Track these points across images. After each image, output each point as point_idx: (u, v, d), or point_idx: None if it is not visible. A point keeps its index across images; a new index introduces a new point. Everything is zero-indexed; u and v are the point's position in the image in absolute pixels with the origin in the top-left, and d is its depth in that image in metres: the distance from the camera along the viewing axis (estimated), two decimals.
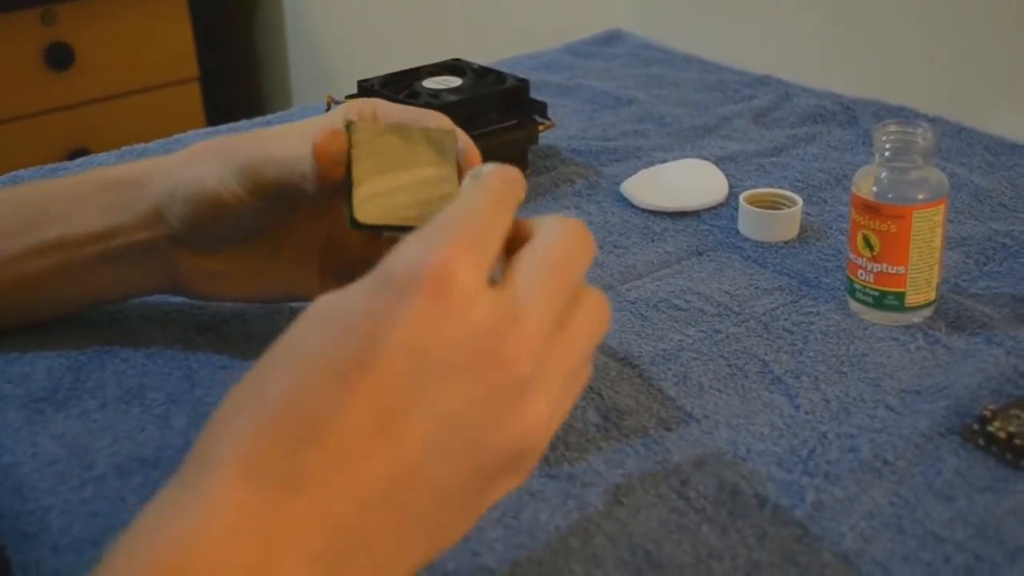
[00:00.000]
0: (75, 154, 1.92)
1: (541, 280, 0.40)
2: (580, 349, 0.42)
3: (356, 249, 0.61)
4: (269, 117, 1.08)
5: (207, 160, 0.60)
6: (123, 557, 0.35)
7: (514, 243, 0.43)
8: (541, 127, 0.90)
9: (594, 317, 0.43)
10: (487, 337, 0.38)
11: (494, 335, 0.38)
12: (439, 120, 0.57)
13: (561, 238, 0.42)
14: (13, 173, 0.92)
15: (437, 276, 0.37)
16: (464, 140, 0.55)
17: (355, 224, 0.50)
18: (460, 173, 0.52)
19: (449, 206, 0.42)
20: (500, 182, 0.44)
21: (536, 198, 0.86)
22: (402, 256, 0.39)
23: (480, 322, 0.38)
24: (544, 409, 0.40)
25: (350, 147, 0.51)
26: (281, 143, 0.58)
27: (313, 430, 0.36)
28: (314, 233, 0.63)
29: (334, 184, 0.54)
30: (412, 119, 0.58)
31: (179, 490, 0.37)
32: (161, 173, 0.62)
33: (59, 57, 1.92)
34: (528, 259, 0.41)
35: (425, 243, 0.39)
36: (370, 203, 0.50)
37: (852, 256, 0.67)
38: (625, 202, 0.86)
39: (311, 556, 0.36)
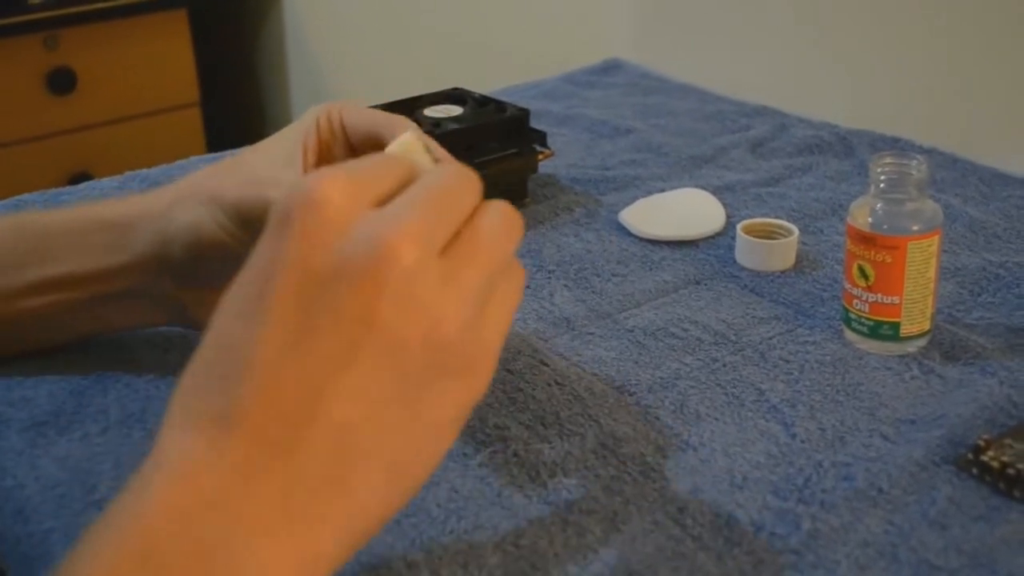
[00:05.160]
0: (76, 178, 1.94)
1: (419, 201, 0.41)
2: (485, 252, 0.41)
3: None
4: None
5: (197, 204, 0.60)
6: (105, 516, 0.38)
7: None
8: (540, 156, 0.91)
9: (494, 228, 0.42)
10: (367, 240, 0.39)
11: (374, 238, 0.39)
12: (405, 126, 0.60)
13: (443, 175, 0.43)
14: (17, 198, 0.93)
15: (306, 199, 0.39)
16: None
17: None
18: None
19: None
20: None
21: (535, 226, 0.87)
22: (277, 201, 0.40)
23: (358, 227, 0.39)
24: (452, 303, 0.40)
25: None
26: (273, 182, 0.59)
27: (233, 365, 0.38)
28: None
29: None
30: (379, 123, 0.61)
31: (149, 455, 0.40)
32: (149, 218, 0.62)
33: (61, 82, 1.93)
34: (409, 189, 0.42)
35: (295, 183, 0.40)
36: None
37: (848, 286, 0.68)
38: (623, 231, 0.86)
39: (259, 486, 0.37)
